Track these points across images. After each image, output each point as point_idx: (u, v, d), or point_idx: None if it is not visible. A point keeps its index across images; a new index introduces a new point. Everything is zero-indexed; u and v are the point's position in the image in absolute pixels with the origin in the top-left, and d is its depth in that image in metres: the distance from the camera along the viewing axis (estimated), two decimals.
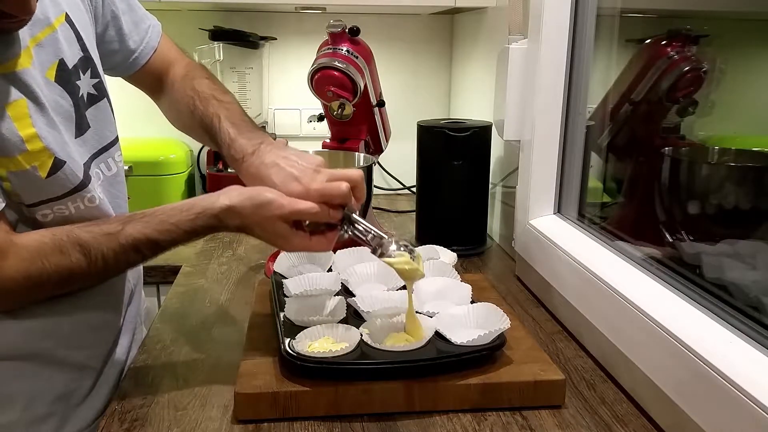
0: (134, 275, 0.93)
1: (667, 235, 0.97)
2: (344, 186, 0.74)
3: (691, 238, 0.91)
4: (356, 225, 0.76)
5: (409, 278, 0.78)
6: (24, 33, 0.67)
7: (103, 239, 0.70)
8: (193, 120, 0.87)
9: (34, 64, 0.68)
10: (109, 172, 0.81)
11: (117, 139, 0.84)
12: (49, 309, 0.75)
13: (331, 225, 0.77)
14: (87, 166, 0.76)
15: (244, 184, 0.78)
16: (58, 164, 0.70)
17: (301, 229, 0.75)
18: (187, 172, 1.63)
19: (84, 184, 0.74)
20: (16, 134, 0.66)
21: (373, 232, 0.76)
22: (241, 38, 1.63)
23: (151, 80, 0.92)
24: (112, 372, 0.85)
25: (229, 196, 0.72)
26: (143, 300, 1.01)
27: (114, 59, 0.87)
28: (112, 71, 0.88)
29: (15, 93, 0.66)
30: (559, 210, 1.11)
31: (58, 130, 0.71)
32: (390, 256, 0.75)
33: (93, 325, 0.81)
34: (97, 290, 0.80)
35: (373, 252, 0.76)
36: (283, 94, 1.83)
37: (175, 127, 0.96)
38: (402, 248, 0.76)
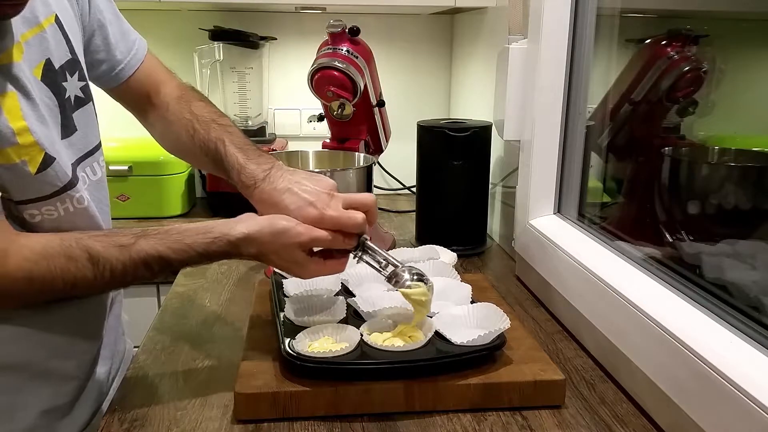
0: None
1: (667, 235, 0.97)
2: (360, 217, 0.75)
3: (691, 238, 0.91)
4: (371, 253, 0.77)
5: (421, 308, 0.78)
6: (16, 28, 0.67)
7: (114, 251, 0.69)
8: (193, 144, 0.86)
9: (24, 59, 0.68)
10: (94, 177, 0.80)
11: (100, 144, 0.83)
12: (43, 317, 0.74)
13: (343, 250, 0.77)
14: (74, 167, 0.75)
15: (255, 210, 0.78)
16: (47, 160, 0.69)
17: (314, 255, 0.75)
18: (187, 172, 1.63)
19: (72, 183, 0.73)
20: (7, 126, 0.65)
21: (388, 260, 0.77)
22: (241, 38, 1.63)
23: (137, 96, 0.90)
24: (95, 384, 0.83)
25: (246, 225, 0.72)
26: (122, 311, 0.97)
27: (99, 69, 0.85)
28: (97, 81, 0.86)
29: (6, 86, 0.65)
30: (559, 210, 1.11)
31: (48, 126, 0.70)
32: (405, 286, 0.76)
33: (79, 334, 0.80)
34: (90, 298, 0.79)
35: (388, 280, 0.77)
36: (283, 94, 1.83)
37: (166, 149, 0.94)
38: (415, 277, 0.77)
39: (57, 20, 0.73)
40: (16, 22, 0.67)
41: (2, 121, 0.65)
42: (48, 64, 0.71)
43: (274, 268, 0.77)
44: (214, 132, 0.85)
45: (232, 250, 0.72)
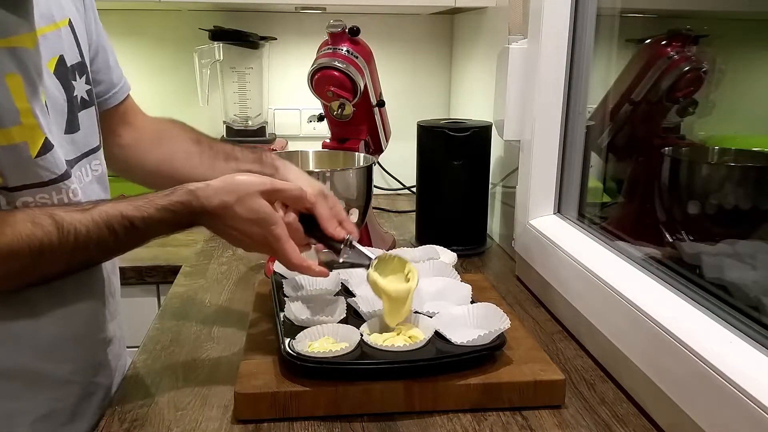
0: (115, 295, 0.89)
1: (667, 235, 0.97)
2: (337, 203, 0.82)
3: (691, 238, 0.91)
4: (357, 249, 0.80)
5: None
6: (34, 20, 0.68)
7: (76, 214, 0.69)
8: (182, 140, 0.93)
9: (37, 50, 0.69)
10: (86, 178, 0.80)
11: (98, 147, 0.84)
12: (29, 318, 0.73)
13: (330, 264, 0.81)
14: (71, 164, 0.75)
15: None
16: (47, 146, 0.69)
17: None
18: None
19: (68, 174, 0.73)
20: (13, 105, 0.66)
21: (375, 254, 0.80)
22: (241, 38, 1.64)
23: (116, 121, 0.92)
24: (99, 391, 0.82)
25: (206, 181, 0.75)
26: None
27: (96, 89, 0.86)
28: None
29: (13, 67, 0.66)
30: (559, 210, 1.11)
31: (48, 118, 0.71)
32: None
33: (77, 337, 0.78)
34: (78, 297, 0.78)
35: (370, 267, 0.79)
36: (283, 94, 1.83)
37: (131, 168, 0.95)
38: None
39: (70, 24, 0.76)
40: (35, 16, 0.68)
41: (9, 99, 0.65)
42: (61, 60, 0.73)
43: (242, 239, 0.75)
44: (204, 134, 0.94)
45: (192, 199, 0.73)
